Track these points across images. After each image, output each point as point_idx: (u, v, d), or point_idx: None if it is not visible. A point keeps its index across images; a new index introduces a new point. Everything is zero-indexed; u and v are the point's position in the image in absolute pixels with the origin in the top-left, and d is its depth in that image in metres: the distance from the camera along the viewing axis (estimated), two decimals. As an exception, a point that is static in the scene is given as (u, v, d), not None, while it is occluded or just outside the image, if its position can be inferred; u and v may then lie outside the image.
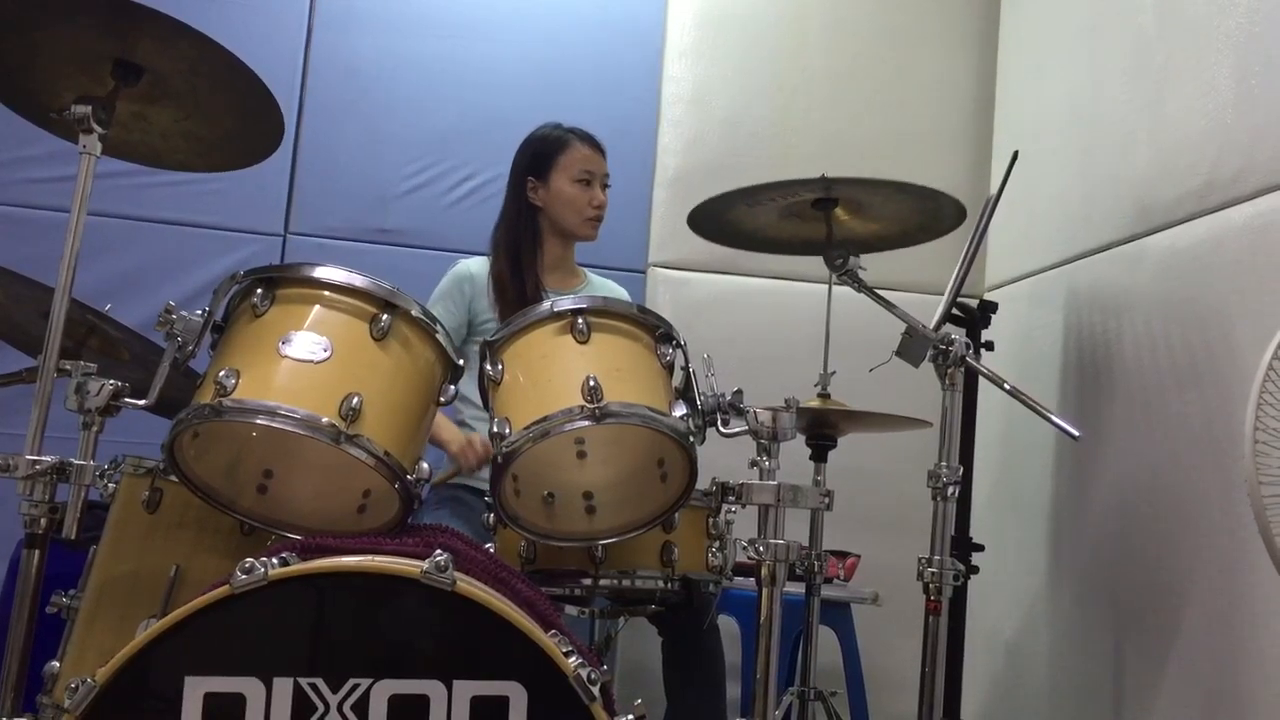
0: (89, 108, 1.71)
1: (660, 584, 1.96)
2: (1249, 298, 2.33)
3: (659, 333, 1.85)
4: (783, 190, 2.13)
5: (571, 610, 2.13)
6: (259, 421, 1.57)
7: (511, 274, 2.67)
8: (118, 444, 1.84)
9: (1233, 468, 2.29)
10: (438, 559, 1.37)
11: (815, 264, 2.25)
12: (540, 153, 2.74)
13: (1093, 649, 2.80)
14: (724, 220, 2.29)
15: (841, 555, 2.99)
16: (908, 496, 2.59)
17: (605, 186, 2.76)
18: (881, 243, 2.40)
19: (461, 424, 2.69)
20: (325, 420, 1.56)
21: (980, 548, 2.84)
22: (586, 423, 1.65)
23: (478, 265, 2.73)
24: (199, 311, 1.71)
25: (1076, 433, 1.97)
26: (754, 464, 1.79)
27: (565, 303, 1.80)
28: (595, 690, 1.37)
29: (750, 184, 2.12)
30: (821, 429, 2.48)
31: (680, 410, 1.76)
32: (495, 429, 1.70)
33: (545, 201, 2.73)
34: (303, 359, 1.62)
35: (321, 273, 1.70)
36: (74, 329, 2.00)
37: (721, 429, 1.81)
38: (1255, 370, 1.64)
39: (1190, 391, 2.49)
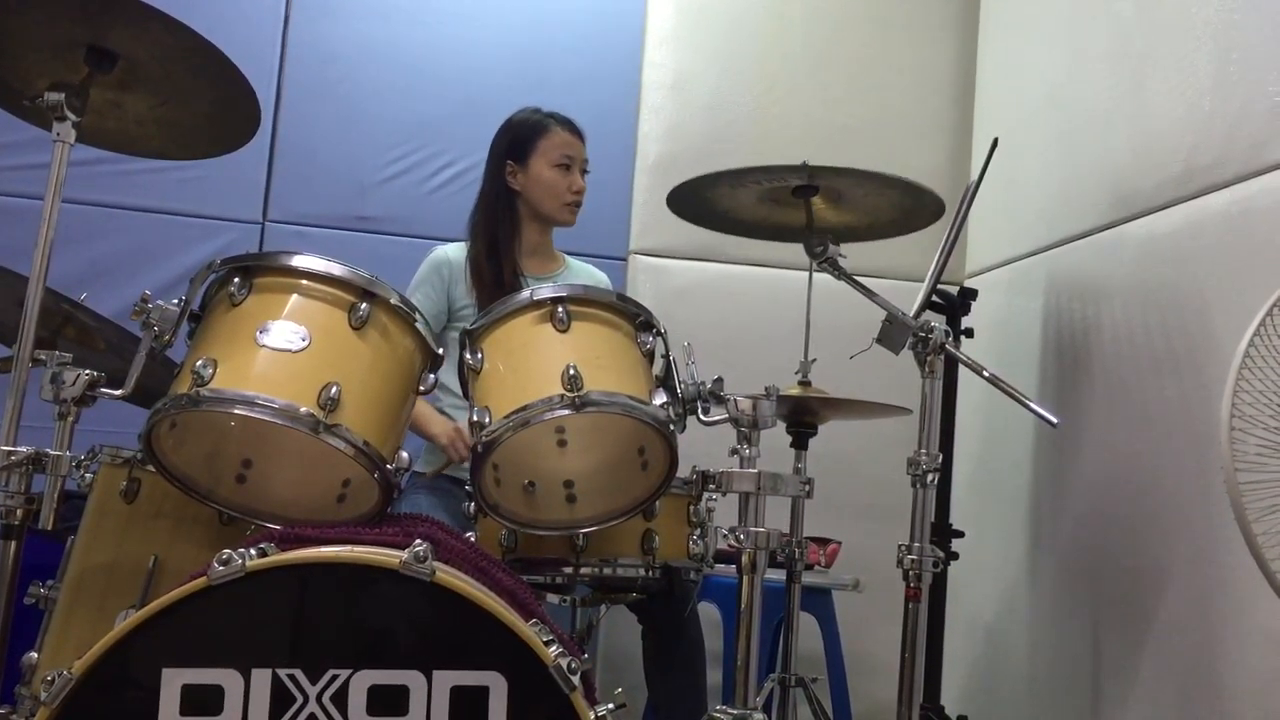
0: (62, 95, 1.70)
1: (641, 572, 1.97)
2: (1227, 284, 2.34)
3: (639, 320, 1.85)
4: (766, 175, 2.13)
5: (553, 598, 2.13)
6: (237, 411, 1.57)
7: (489, 259, 2.66)
8: (95, 434, 1.83)
9: (1210, 453, 2.30)
10: (417, 549, 1.36)
11: (796, 251, 2.25)
12: (519, 137, 2.73)
13: (1071, 634, 2.82)
14: (702, 199, 2.28)
15: (822, 542, 3.00)
16: (888, 483, 2.60)
17: (584, 172, 2.75)
18: (856, 233, 2.40)
19: (441, 412, 2.68)
20: (304, 410, 1.56)
21: (960, 534, 2.86)
22: (567, 411, 1.65)
23: (455, 251, 2.71)
24: (175, 300, 1.69)
25: (1055, 420, 1.98)
26: (734, 452, 1.79)
27: (545, 291, 1.80)
28: (575, 679, 1.37)
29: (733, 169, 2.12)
30: (802, 416, 2.49)
31: (660, 398, 1.76)
32: (475, 418, 1.69)
33: (523, 186, 2.71)
34: (281, 348, 1.61)
35: (299, 261, 1.69)
36: (49, 318, 1.98)
37: (702, 417, 1.81)
38: (1232, 356, 1.64)
39: (1168, 378, 2.50)
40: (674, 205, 2.33)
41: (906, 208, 2.29)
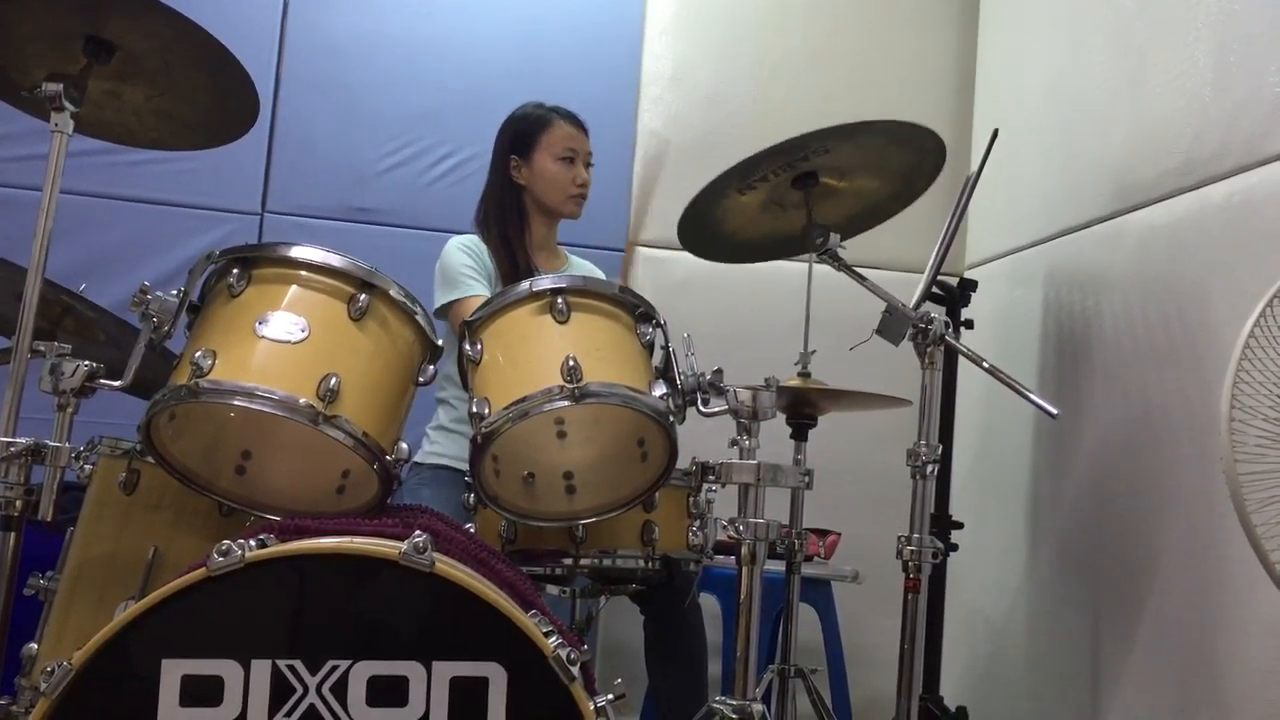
0: (60, 86, 1.69)
1: (641, 563, 1.97)
2: (1227, 275, 2.34)
3: (639, 312, 1.84)
4: (769, 159, 2.11)
5: (552, 590, 2.14)
6: (236, 403, 1.56)
7: (504, 250, 2.66)
8: (94, 425, 1.82)
9: (1209, 444, 2.30)
10: (416, 540, 1.36)
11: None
12: (523, 131, 2.73)
13: (1070, 624, 2.82)
14: (709, 218, 2.27)
15: (822, 533, 3.00)
16: (888, 475, 2.60)
17: (589, 165, 2.75)
18: (860, 220, 2.38)
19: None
20: (303, 401, 1.56)
21: (959, 525, 2.86)
22: (566, 403, 1.65)
23: (474, 240, 2.69)
24: (174, 292, 1.69)
25: (1055, 411, 1.97)
26: (734, 443, 1.79)
27: (544, 282, 1.79)
28: (575, 670, 1.37)
29: (730, 163, 2.10)
30: (802, 408, 2.49)
31: (660, 390, 1.75)
32: (474, 409, 1.69)
33: (528, 180, 2.71)
34: (280, 339, 1.61)
35: (298, 252, 1.69)
36: (48, 309, 1.98)
37: (701, 408, 1.81)
38: (1232, 347, 1.64)
39: (1168, 369, 2.50)
40: (687, 241, 2.33)
41: (908, 169, 2.25)
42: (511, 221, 2.70)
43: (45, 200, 1.69)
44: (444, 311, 2.53)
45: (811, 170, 2.17)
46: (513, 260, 2.64)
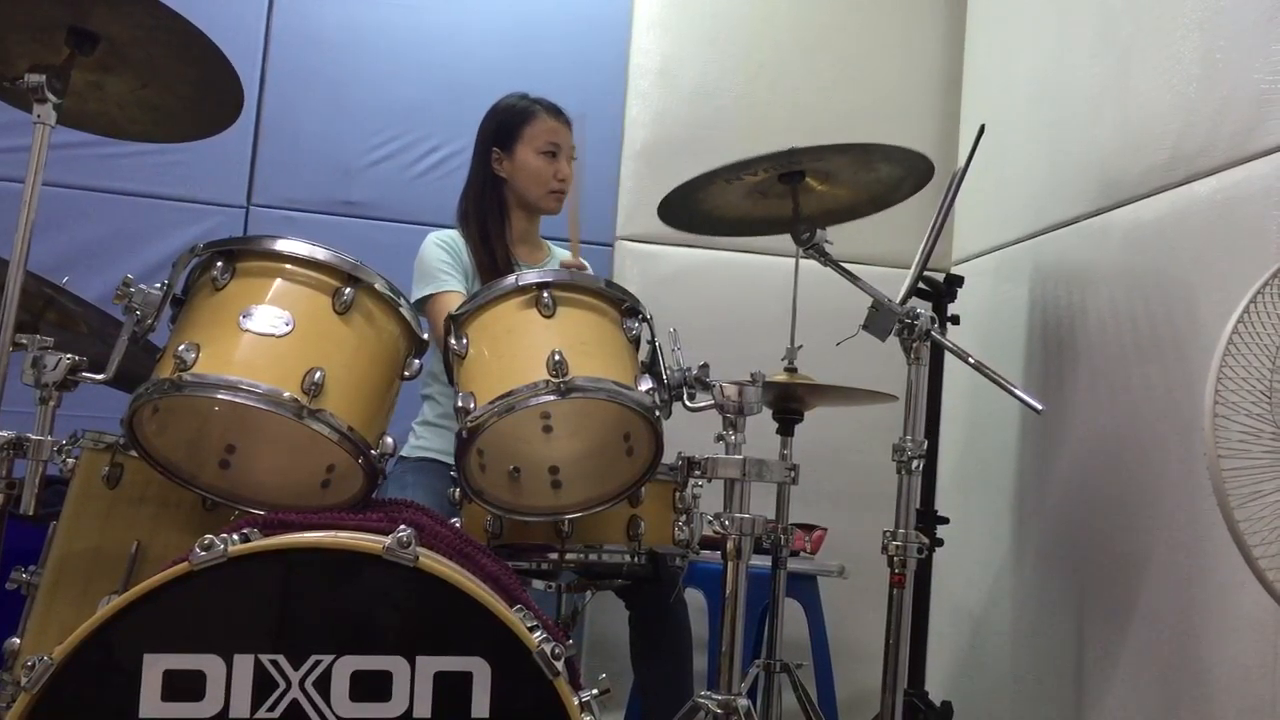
0: (43, 77, 1.68)
1: (627, 558, 1.97)
2: (1212, 271, 2.35)
3: (625, 306, 1.84)
4: (760, 165, 2.11)
5: (538, 584, 2.13)
6: (220, 396, 1.56)
7: (482, 245, 2.65)
8: (77, 419, 1.82)
9: (1194, 440, 2.31)
10: (400, 535, 1.36)
11: (783, 238, 2.24)
12: (505, 123, 2.71)
13: (1055, 620, 2.83)
14: (691, 200, 2.27)
15: (808, 529, 3.00)
16: (874, 470, 2.61)
17: (571, 160, 2.74)
18: (851, 211, 2.38)
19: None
20: (287, 395, 1.55)
21: (945, 520, 2.86)
22: (552, 397, 1.64)
23: (453, 236, 2.69)
24: (158, 285, 1.68)
25: (1040, 406, 1.98)
26: (720, 438, 1.79)
27: (530, 276, 1.79)
28: (559, 665, 1.37)
29: (718, 157, 2.09)
30: (788, 403, 2.49)
31: (646, 384, 1.75)
32: (460, 403, 1.69)
33: (509, 173, 2.70)
34: (264, 333, 1.60)
35: (283, 245, 1.68)
36: (31, 302, 1.97)
37: (688, 403, 1.82)
38: (1216, 343, 1.65)
39: (1153, 364, 2.51)
40: (665, 216, 2.32)
41: (894, 180, 2.27)
42: (491, 214, 2.69)
43: (28, 192, 1.68)
44: (418, 306, 2.52)
45: (800, 170, 2.17)
46: (491, 255, 2.63)
